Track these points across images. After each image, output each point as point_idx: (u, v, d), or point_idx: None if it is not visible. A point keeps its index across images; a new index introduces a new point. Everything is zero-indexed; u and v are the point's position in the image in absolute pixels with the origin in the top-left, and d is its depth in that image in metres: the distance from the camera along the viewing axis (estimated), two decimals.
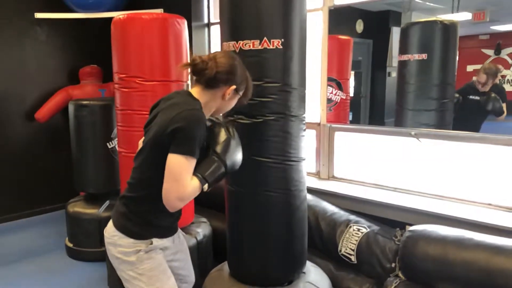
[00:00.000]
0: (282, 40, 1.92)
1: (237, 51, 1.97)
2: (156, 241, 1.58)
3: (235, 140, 1.54)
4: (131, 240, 1.55)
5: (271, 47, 1.92)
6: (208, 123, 1.57)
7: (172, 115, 1.45)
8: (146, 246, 1.56)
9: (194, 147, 1.42)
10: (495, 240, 1.95)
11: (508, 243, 1.90)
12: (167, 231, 1.66)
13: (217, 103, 1.58)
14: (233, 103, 1.64)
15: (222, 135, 1.52)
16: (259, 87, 1.95)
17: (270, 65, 1.95)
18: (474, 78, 3.19)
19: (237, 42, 1.96)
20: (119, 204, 1.62)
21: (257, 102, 1.96)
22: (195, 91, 1.55)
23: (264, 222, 2.06)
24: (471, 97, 3.11)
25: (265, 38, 1.92)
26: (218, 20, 4.16)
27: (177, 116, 1.43)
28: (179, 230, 1.80)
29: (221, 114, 1.83)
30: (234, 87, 1.55)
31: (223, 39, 2.07)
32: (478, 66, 3.30)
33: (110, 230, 1.61)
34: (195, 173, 1.45)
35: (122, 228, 1.57)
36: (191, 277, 1.94)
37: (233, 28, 2.01)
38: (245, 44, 1.94)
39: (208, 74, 1.50)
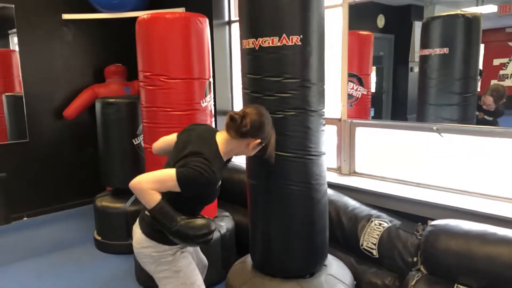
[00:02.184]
0: (301, 36, 1.96)
1: (257, 48, 2.01)
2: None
3: (196, 240, 1.63)
4: (167, 246, 1.72)
5: (290, 43, 1.96)
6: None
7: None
8: (181, 247, 1.76)
9: (186, 183, 1.59)
10: None
11: None
12: None
13: (241, 150, 1.77)
14: (254, 151, 1.80)
15: (197, 225, 1.62)
16: (279, 83, 2.00)
17: (289, 61, 1.99)
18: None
19: (256, 39, 2.00)
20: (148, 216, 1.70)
21: (277, 98, 2.01)
22: (223, 137, 1.73)
23: (285, 215, 2.10)
24: (476, 112, 3.07)
25: (284, 34, 1.95)
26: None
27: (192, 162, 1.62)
28: None
29: None
30: (259, 140, 1.72)
31: (243, 37, 2.10)
32: (505, 60, 3.23)
33: (141, 240, 1.74)
34: (164, 198, 1.59)
35: (158, 238, 1.70)
36: (203, 263, 2.09)
37: (252, 25, 2.05)
38: (265, 41, 1.98)
39: (242, 129, 1.68)
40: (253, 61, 2.06)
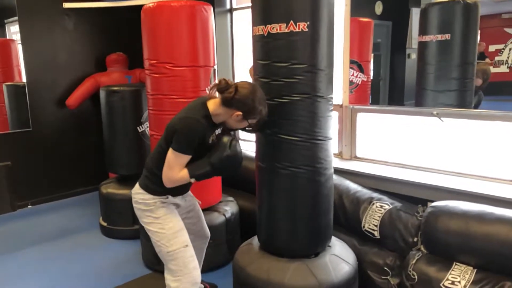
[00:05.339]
0: (308, 23, 1.99)
1: (266, 34, 2.05)
2: (170, 197, 2.01)
3: (228, 152, 1.89)
4: (151, 195, 1.98)
5: (297, 30, 1.99)
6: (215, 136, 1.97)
7: (176, 120, 1.89)
8: (163, 199, 1.99)
9: (185, 148, 1.84)
10: None
11: None
12: (178, 191, 2.04)
13: (226, 118, 1.92)
14: (241, 125, 1.96)
15: (219, 147, 1.90)
16: (285, 69, 2.04)
17: (297, 47, 2.02)
18: None
19: (265, 26, 2.05)
20: (145, 170, 2.05)
21: (284, 83, 2.05)
22: (213, 101, 1.91)
23: (291, 198, 2.16)
24: None
25: (291, 21, 1.99)
26: (240, 6, 4.23)
27: (178, 122, 1.87)
28: (190, 194, 2.23)
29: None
30: (240, 113, 1.86)
31: (253, 24, 2.15)
32: (500, 46, 3.28)
33: (136, 189, 2.04)
34: (187, 167, 1.89)
35: (145, 187, 2.00)
36: (204, 232, 2.37)
37: (262, 13, 2.09)
38: (273, 28, 2.03)
39: (226, 96, 1.84)
40: (262, 47, 2.10)
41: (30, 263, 3.17)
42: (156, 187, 1.97)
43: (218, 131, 2.00)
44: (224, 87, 1.86)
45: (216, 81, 1.92)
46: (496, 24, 3.32)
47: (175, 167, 1.86)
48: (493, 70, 3.37)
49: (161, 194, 1.98)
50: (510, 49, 3.21)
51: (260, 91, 1.94)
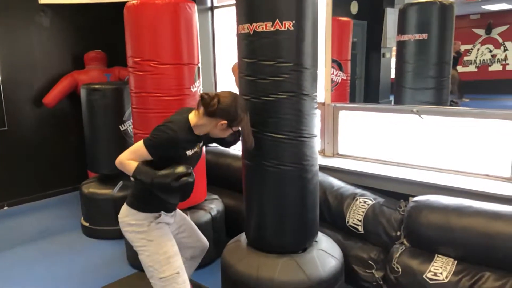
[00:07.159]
0: (294, 21, 2.01)
1: (251, 33, 2.06)
2: (163, 214, 1.94)
3: (173, 184, 1.73)
4: (143, 214, 1.90)
5: (283, 28, 2.01)
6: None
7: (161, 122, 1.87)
8: (155, 218, 1.91)
9: (151, 145, 1.78)
10: (492, 207, 2.11)
11: (505, 209, 2.07)
12: (169, 207, 1.98)
13: (210, 128, 1.89)
14: (225, 133, 1.93)
15: (171, 172, 1.74)
16: (272, 67, 2.06)
17: (283, 46, 2.04)
18: None
19: (251, 25, 2.06)
20: (133, 188, 1.96)
21: (270, 81, 2.07)
22: (196, 113, 1.88)
23: (278, 195, 2.19)
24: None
25: (277, 20, 2.01)
26: (221, 4, 4.22)
27: (163, 122, 1.86)
28: (177, 209, 2.14)
29: None
30: (225, 122, 1.85)
31: (238, 22, 2.15)
32: (469, 46, 3.40)
33: (124, 210, 1.94)
34: (140, 163, 1.80)
35: (136, 206, 1.91)
36: (201, 243, 2.28)
37: (247, 11, 2.10)
38: (259, 26, 2.04)
39: (209, 108, 1.82)
40: (248, 45, 2.11)
41: (10, 267, 3.09)
42: (142, 204, 1.89)
43: (201, 143, 1.97)
44: (208, 100, 1.83)
45: (199, 98, 1.88)
46: (465, 24, 3.45)
47: (132, 153, 1.81)
48: (462, 69, 3.50)
49: (154, 211, 1.91)
50: (478, 49, 3.34)
51: (241, 97, 1.94)
